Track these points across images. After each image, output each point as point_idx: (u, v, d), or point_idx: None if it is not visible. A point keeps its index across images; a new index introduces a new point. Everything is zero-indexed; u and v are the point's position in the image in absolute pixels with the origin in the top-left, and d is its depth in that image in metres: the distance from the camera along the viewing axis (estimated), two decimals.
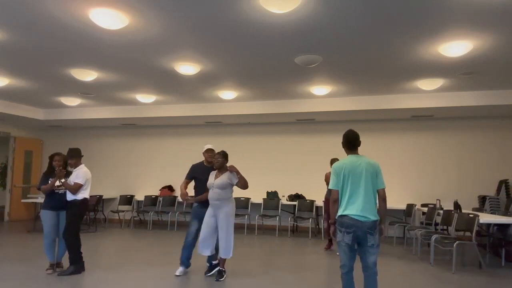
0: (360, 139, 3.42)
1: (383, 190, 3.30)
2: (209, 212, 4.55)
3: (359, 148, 3.41)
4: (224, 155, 4.54)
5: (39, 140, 10.93)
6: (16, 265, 5.07)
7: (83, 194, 4.73)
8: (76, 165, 4.81)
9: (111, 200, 10.02)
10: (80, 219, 4.79)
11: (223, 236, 4.43)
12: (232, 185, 4.51)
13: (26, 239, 7.22)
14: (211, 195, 4.47)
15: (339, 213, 3.29)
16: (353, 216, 3.18)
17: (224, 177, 4.47)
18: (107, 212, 9.68)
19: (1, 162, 11.83)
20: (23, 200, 8.92)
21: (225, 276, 4.56)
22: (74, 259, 4.68)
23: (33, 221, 9.24)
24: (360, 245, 3.22)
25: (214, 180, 4.50)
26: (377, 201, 3.33)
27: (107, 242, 7.11)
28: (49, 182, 4.75)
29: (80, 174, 4.72)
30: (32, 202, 9.47)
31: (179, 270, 4.74)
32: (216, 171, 4.59)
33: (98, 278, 4.56)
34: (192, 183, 4.91)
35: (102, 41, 4.81)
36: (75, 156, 4.82)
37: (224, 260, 4.56)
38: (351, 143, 3.40)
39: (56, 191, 4.76)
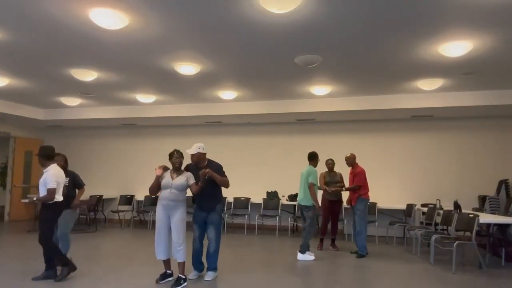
0: (317, 156, 6.18)
1: (310, 183, 5.82)
2: (163, 212, 4.34)
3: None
4: (182, 155, 4.46)
5: (39, 140, 10.92)
6: (16, 265, 5.07)
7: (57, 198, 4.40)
8: (44, 166, 4.41)
9: (111, 200, 10.00)
10: (54, 223, 4.49)
11: (176, 238, 4.27)
12: (187, 187, 4.40)
13: (26, 239, 7.22)
14: (168, 195, 4.30)
15: None
16: (298, 200, 6.05)
17: (182, 178, 4.36)
18: (107, 212, 9.69)
19: (1, 162, 11.82)
20: (23, 200, 8.91)
21: (183, 284, 4.27)
22: (64, 261, 4.43)
23: (33, 221, 9.26)
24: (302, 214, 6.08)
25: (172, 180, 4.34)
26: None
27: (107, 242, 7.11)
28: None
29: (48, 177, 4.31)
30: (32, 202, 9.43)
31: (192, 273, 4.70)
32: (170, 170, 4.44)
33: (98, 278, 4.56)
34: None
35: (102, 41, 4.81)
36: (47, 156, 4.42)
37: (183, 265, 4.34)
38: (309, 158, 6.12)
39: None
